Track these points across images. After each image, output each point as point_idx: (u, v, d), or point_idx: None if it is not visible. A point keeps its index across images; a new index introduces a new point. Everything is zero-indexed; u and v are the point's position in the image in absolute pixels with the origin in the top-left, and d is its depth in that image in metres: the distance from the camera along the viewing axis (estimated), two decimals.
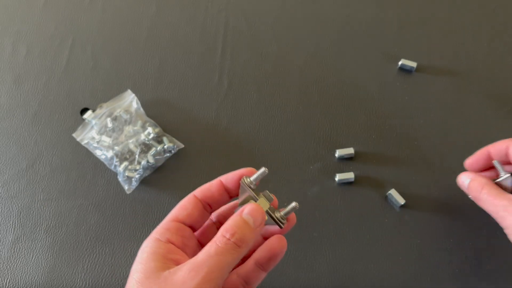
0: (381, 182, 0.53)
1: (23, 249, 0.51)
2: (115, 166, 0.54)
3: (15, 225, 0.53)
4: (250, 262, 0.38)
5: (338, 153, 0.55)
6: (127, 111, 0.57)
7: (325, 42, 0.63)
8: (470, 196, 0.47)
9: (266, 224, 0.36)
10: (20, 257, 0.51)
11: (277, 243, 0.37)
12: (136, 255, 0.35)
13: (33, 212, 0.53)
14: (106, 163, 0.55)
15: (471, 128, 0.57)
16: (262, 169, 0.36)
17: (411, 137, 0.57)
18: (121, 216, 0.53)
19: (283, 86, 0.60)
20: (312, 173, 0.55)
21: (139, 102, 0.58)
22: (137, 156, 0.55)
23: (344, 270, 0.50)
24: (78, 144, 0.56)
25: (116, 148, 0.55)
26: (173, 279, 0.31)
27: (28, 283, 0.50)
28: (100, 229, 0.52)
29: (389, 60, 0.61)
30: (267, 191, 0.36)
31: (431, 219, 0.52)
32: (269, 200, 0.36)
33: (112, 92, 0.60)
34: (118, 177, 0.54)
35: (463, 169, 0.50)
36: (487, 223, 0.49)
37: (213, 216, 0.40)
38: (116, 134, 0.56)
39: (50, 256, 0.51)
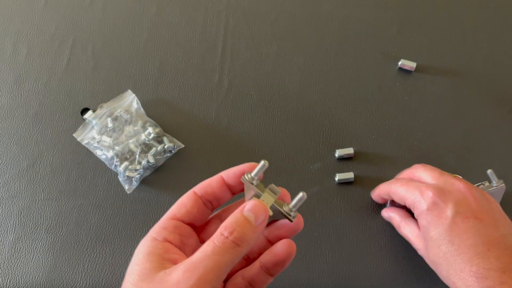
0: (381, 182, 0.53)
1: (24, 249, 0.51)
2: (116, 166, 0.54)
3: (15, 225, 0.53)
4: (256, 265, 0.36)
5: (338, 153, 0.55)
6: (127, 111, 0.57)
7: (325, 42, 0.63)
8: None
9: (274, 219, 0.35)
10: (20, 257, 0.51)
11: (284, 248, 0.35)
12: None
13: (34, 212, 0.53)
14: (106, 163, 0.55)
15: (471, 128, 0.57)
16: (262, 163, 0.34)
17: (411, 137, 0.57)
18: (122, 216, 0.53)
19: (283, 86, 0.60)
20: (312, 173, 0.55)
21: (139, 102, 0.58)
22: (137, 156, 0.55)
23: (344, 270, 0.50)
24: (78, 144, 0.56)
25: (117, 148, 0.55)
26: (168, 280, 0.30)
27: (28, 283, 0.50)
28: (101, 229, 0.52)
29: (389, 60, 0.61)
30: (273, 184, 0.35)
31: None
32: (276, 193, 0.34)
33: (113, 92, 0.60)
34: (119, 177, 0.54)
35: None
36: None
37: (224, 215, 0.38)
38: (117, 134, 0.56)
39: (51, 256, 0.51)
